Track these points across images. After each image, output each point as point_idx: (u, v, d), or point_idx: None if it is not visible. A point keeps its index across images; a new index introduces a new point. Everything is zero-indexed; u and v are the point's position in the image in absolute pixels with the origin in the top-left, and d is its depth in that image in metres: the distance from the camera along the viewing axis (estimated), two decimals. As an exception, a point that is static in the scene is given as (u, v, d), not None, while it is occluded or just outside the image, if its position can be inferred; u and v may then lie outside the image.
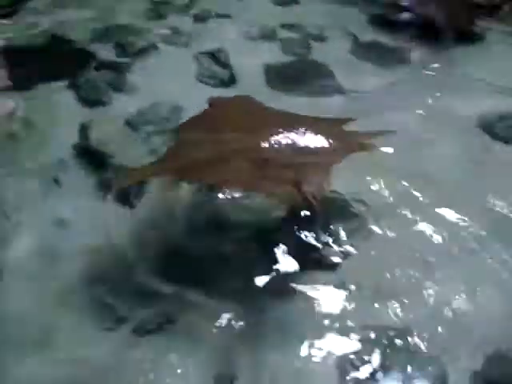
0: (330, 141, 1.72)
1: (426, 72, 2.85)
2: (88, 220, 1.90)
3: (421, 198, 2.02)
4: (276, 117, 1.89)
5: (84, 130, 2.26)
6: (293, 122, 1.81)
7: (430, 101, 2.59)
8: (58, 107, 2.46)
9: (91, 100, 2.49)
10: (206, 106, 1.95)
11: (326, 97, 2.60)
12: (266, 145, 1.68)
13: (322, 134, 1.74)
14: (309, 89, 2.65)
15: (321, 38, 3.13)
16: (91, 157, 2.16)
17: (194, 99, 2.26)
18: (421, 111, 2.51)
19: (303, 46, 3.05)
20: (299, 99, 2.55)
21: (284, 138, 1.70)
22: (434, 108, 2.55)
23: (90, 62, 2.79)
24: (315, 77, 2.76)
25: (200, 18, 3.31)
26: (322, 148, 1.70)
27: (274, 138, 1.69)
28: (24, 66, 2.75)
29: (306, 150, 1.69)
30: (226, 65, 2.79)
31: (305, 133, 1.74)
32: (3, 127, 2.32)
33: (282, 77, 2.77)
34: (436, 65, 2.89)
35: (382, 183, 2.07)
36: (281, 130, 1.72)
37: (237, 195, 1.96)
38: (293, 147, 1.68)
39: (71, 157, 2.18)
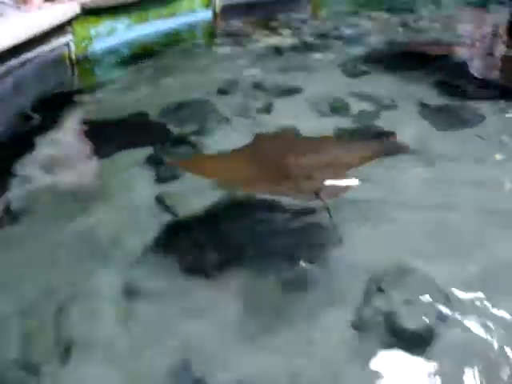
0: (349, 156, 2.13)
1: (501, 137, 2.82)
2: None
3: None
4: (308, 142, 2.42)
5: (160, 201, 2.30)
6: (321, 144, 2.32)
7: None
8: (134, 178, 2.52)
9: (164, 176, 2.52)
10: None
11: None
12: (296, 161, 2.08)
13: (342, 151, 2.22)
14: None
15: (390, 107, 3.18)
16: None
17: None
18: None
19: (373, 115, 3.07)
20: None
21: (310, 157, 2.13)
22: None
23: (165, 136, 2.88)
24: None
25: (272, 93, 3.42)
26: (340, 162, 2.10)
27: (302, 156, 2.12)
28: (104, 138, 2.88)
29: (327, 164, 2.08)
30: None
31: (328, 152, 2.21)
32: (84, 191, 2.40)
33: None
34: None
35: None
36: (309, 150, 2.20)
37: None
38: (316, 163, 2.10)
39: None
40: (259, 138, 2.40)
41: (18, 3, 3.49)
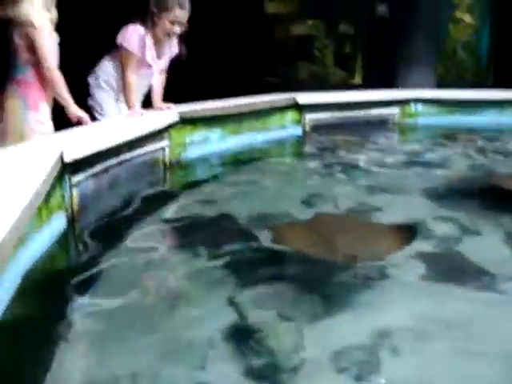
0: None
1: None
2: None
3: None
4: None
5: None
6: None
7: None
8: (212, 281, 2.53)
9: (244, 279, 2.52)
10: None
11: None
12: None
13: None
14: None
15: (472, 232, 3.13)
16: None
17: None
18: None
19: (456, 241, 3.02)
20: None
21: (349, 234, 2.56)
22: None
23: (249, 242, 2.91)
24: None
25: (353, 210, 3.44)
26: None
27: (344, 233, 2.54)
28: (188, 240, 2.95)
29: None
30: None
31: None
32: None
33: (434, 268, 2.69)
34: None
35: None
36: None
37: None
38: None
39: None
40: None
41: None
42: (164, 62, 4.37)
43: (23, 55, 3.53)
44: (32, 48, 3.49)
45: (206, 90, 6.91)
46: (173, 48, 4.44)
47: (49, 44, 3.51)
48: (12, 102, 3.53)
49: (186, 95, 5.33)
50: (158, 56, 4.25)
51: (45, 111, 3.63)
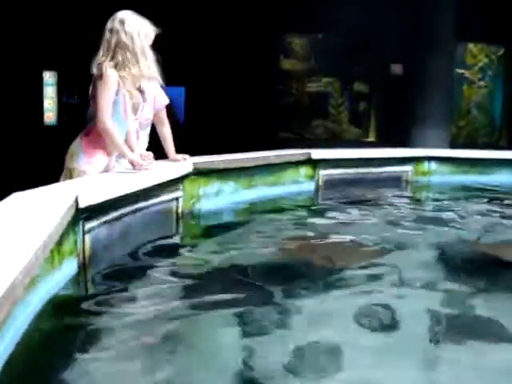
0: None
1: None
2: None
3: None
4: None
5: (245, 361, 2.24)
6: None
7: None
8: (222, 331, 2.53)
9: (252, 333, 2.51)
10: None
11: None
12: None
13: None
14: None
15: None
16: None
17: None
18: None
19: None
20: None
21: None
22: None
23: (259, 294, 2.92)
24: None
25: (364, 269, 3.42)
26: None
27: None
28: (197, 291, 2.96)
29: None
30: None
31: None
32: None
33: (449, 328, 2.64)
34: None
35: None
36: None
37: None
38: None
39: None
40: None
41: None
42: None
43: (92, 104, 3.74)
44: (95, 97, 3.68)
45: (221, 144, 7.01)
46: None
47: (108, 96, 3.63)
48: (74, 145, 3.77)
49: (202, 148, 5.41)
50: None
51: (99, 157, 3.79)
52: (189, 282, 3.09)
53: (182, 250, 3.67)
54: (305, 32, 13.50)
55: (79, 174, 3.68)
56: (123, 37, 3.67)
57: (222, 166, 4.73)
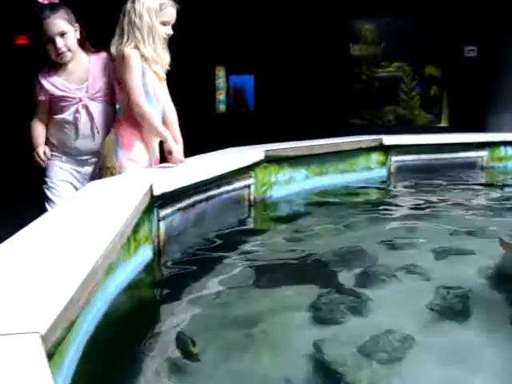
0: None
1: None
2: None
3: None
4: None
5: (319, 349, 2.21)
6: None
7: None
8: (294, 316, 2.53)
9: (326, 318, 2.50)
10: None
11: None
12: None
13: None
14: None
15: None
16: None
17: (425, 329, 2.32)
18: None
19: None
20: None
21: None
22: None
23: (332, 281, 2.88)
24: None
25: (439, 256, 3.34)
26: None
27: None
28: (268, 278, 2.96)
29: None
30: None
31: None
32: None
33: None
34: None
35: None
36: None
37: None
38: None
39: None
40: None
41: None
42: None
43: (118, 93, 3.56)
44: (122, 83, 3.50)
45: (292, 131, 7.00)
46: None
47: (136, 77, 3.45)
48: (108, 141, 3.55)
49: (273, 135, 5.42)
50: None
51: (139, 150, 3.59)
52: (260, 268, 3.10)
53: (253, 237, 3.68)
54: (374, 16, 13.27)
55: (120, 172, 3.51)
56: (133, 16, 3.46)
57: (293, 154, 4.73)
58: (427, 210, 4.51)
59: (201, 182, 3.43)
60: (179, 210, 3.29)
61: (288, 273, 3.07)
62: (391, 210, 4.58)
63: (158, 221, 3.07)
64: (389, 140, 5.65)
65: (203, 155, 4.12)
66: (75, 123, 3.56)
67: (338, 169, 5.21)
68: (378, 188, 5.41)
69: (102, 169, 3.58)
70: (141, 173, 3.41)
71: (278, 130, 10.20)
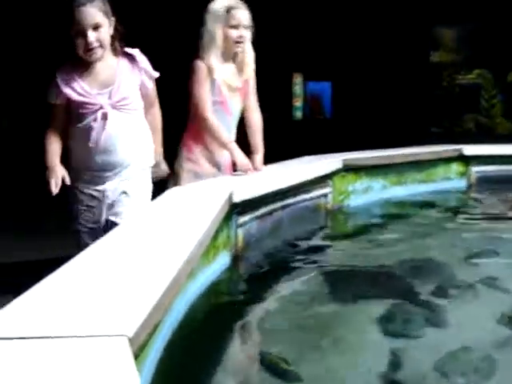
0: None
1: None
2: None
3: None
4: None
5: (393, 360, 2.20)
6: None
7: None
8: (368, 328, 2.50)
9: (400, 330, 2.48)
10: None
11: None
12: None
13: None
14: None
15: None
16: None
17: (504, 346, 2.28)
18: None
19: None
20: None
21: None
22: None
23: (407, 294, 2.86)
24: None
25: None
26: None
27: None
28: (342, 287, 2.97)
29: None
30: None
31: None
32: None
33: None
34: None
35: None
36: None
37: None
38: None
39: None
40: None
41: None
42: None
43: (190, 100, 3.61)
44: (189, 93, 3.55)
45: (369, 139, 6.96)
46: None
47: (201, 87, 3.50)
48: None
49: (350, 143, 5.40)
50: None
51: (201, 153, 3.66)
52: (335, 276, 3.11)
53: (329, 246, 3.69)
54: (455, 23, 13.03)
55: (182, 173, 3.60)
56: (204, 25, 3.49)
57: (370, 163, 4.71)
58: (508, 223, 4.40)
59: (278, 190, 3.46)
60: (257, 217, 3.33)
61: (362, 282, 3.06)
62: (470, 221, 4.49)
63: (237, 228, 3.12)
64: (469, 150, 5.53)
65: (281, 163, 4.16)
66: (93, 134, 3.00)
67: (416, 179, 5.14)
68: (456, 199, 5.31)
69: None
70: (220, 180, 3.48)
71: (355, 137, 10.15)
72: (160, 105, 3.32)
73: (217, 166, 3.72)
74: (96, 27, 2.89)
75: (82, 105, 3.00)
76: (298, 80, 14.20)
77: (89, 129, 3.00)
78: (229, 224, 3.03)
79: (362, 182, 4.65)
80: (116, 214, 3.12)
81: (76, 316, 1.35)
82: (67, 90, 2.99)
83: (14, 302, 1.44)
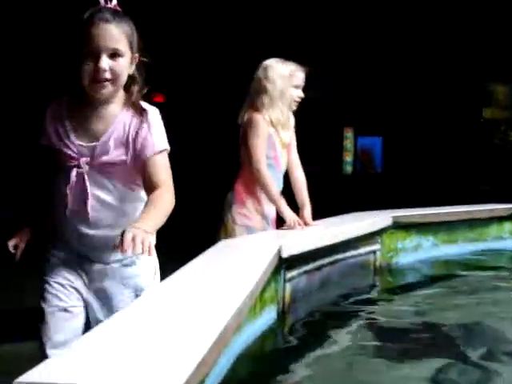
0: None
1: None
2: None
3: None
4: None
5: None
6: None
7: None
8: None
9: None
10: None
11: None
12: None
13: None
14: None
15: None
16: None
17: None
18: None
19: None
20: None
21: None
22: None
23: (457, 356, 2.78)
24: None
25: None
26: None
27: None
28: (389, 345, 2.94)
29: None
30: None
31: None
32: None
33: None
34: None
35: None
36: None
37: None
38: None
39: None
40: None
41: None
42: None
43: (241, 152, 3.68)
44: (245, 144, 3.61)
45: (420, 195, 6.91)
46: None
47: (259, 142, 3.57)
48: (228, 196, 3.71)
49: (400, 199, 5.37)
50: None
51: (251, 206, 3.67)
52: (382, 334, 3.09)
53: (377, 303, 3.66)
54: (509, 80, 12.98)
55: (233, 227, 3.62)
56: (264, 81, 3.60)
57: (420, 220, 4.67)
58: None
59: (327, 245, 3.46)
60: (305, 272, 3.33)
61: (410, 342, 3.01)
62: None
63: (285, 282, 3.12)
64: (522, 209, 5.43)
65: (330, 218, 4.16)
66: (65, 192, 2.27)
67: (468, 237, 5.06)
68: (509, 259, 5.20)
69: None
70: (268, 234, 3.50)
71: (405, 193, 10.08)
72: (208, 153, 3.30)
73: (265, 219, 3.74)
74: (114, 54, 2.15)
75: (59, 154, 2.29)
76: (348, 134, 14.26)
77: (61, 188, 2.28)
78: (277, 278, 3.03)
79: (411, 240, 4.61)
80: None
81: (121, 371, 1.35)
82: (50, 129, 2.31)
83: (64, 352, 1.46)
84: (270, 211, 3.75)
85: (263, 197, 3.67)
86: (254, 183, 3.65)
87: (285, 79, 3.64)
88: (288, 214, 3.61)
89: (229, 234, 3.62)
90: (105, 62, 2.12)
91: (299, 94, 3.72)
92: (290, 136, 3.78)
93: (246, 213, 3.67)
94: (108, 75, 2.14)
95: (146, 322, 1.76)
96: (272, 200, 3.63)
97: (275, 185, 3.65)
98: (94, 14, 2.15)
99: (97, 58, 2.12)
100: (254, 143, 3.57)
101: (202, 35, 11.48)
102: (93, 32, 2.11)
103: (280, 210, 3.63)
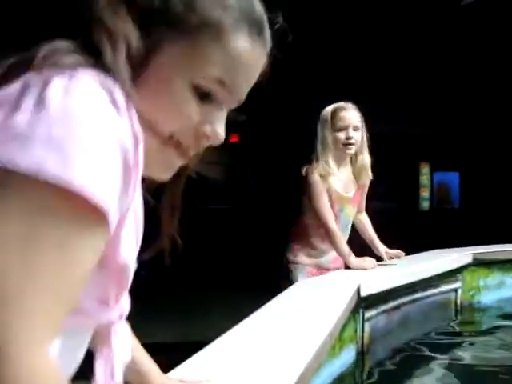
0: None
1: None
2: None
3: None
4: None
5: None
6: None
7: None
8: None
9: None
10: None
11: None
12: None
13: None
14: None
15: None
16: None
17: None
18: None
19: None
20: None
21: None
22: None
23: None
24: None
25: None
26: None
27: None
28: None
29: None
30: None
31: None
32: None
33: None
34: None
35: None
36: None
37: None
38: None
39: None
40: None
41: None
42: None
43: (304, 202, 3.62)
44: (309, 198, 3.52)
45: (500, 232, 6.73)
46: None
47: (320, 202, 3.46)
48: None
49: (479, 235, 5.25)
50: None
51: (304, 251, 3.65)
52: (464, 376, 3.01)
53: (460, 343, 3.56)
54: None
55: (289, 266, 3.59)
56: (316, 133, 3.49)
57: (503, 257, 4.54)
58: None
59: (407, 284, 3.42)
60: (384, 311, 3.29)
61: (497, 382, 2.93)
62: None
63: (363, 322, 3.09)
64: None
65: (409, 257, 4.10)
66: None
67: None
68: None
69: None
70: (346, 273, 3.48)
71: (485, 229, 9.83)
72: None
73: (318, 262, 3.70)
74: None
75: None
76: (425, 170, 14.05)
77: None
78: (356, 318, 3.01)
79: (493, 277, 4.48)
80: None
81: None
82: None
83: None
84: (331, 257, 3.70)
85: (319, 241, 3.62)
86: (307, 235, 3.62)
87: (324, 125, 3.46)
88: (357, 265, 3.50)
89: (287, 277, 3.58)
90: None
91: (346, 135, 3.43)
92: (356, 187, 3.66)
93: (300, 256, 3.63)
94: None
95: (225, 363, 1.77)
96: (342, 256, 3.57)
97: (344, 241, 3.57)
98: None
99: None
100: (316, 204, 3.46)
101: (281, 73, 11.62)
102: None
103: (344, 258, 3.56)
